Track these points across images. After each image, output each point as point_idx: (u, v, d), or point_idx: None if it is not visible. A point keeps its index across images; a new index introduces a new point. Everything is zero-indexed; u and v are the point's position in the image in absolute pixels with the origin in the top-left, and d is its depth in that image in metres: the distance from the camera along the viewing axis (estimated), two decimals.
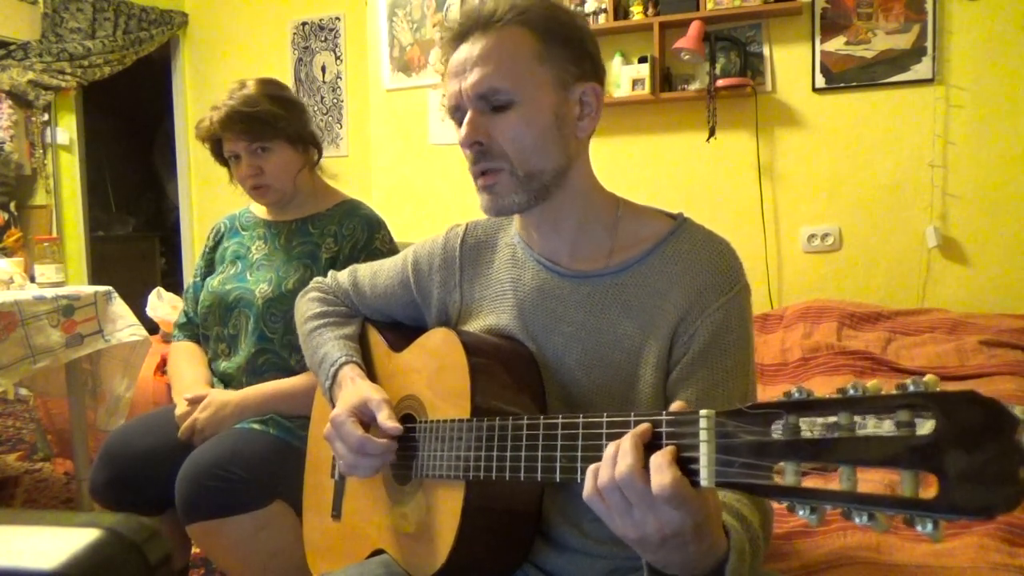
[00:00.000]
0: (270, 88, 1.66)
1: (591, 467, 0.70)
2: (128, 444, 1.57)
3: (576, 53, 0.96)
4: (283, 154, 1.64)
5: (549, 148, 0.95)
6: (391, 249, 1.64)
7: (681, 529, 0.66)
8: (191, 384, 1.64)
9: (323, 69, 4.49)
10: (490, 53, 0.93)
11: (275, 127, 1.62)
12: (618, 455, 0.68)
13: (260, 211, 1.78)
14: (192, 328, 1.78)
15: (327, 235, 1.65)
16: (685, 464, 0.65)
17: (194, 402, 1.58)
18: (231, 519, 1.41)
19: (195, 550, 1.86)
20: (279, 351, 1.61)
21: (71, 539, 0.37)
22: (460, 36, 0.96)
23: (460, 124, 0.96)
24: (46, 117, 4.23)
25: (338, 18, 4.44)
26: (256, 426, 1.53)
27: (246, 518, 1.42)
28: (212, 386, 1.66)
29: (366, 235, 1.64)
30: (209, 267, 1.78)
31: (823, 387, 2.00)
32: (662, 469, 0.64)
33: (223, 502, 1.41)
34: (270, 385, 1.59)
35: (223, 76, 4.73)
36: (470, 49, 0.94)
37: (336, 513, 1.19)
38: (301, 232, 1.69)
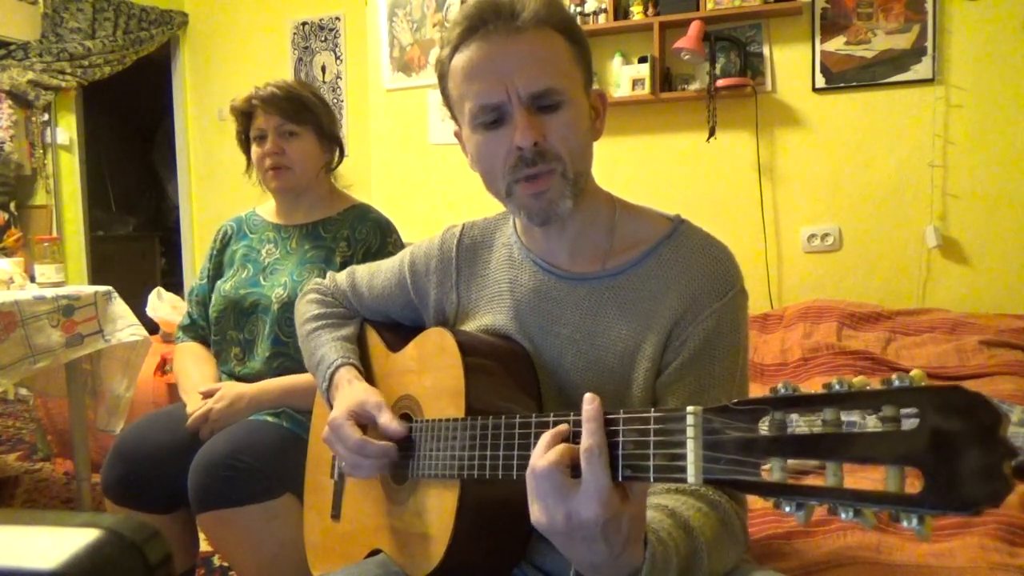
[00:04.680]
0: (310, 87, 1.76)
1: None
2: (140, 441, 1.58)
3: (588, 57, 0.98)
4: (309, 143, 1.69)
5: (587, 150, 0.96)
6: None
7: (586, 523, 0.67)
8: (200, 382, 1.65)
9: (323, 69, 4.49)
10: (538, 53, 0.90)
11: (309, 112, 1.68)
12: (542, 448, 0.72)
13: (268, 214, 1.78)
14: (197, 331, 1.78)
15: (340, 239, 1.67)
16: (672, 460, 0.64)
17: (208, 394, 1.59)
18: (242, 509, 1.42)
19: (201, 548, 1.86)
20: (294, 355, 1.60)
21: (71, 539, 0.37)
22: (474, 30, 0.91)
23: (490, 124, 0.93)
24: (46, 117, 4.23)
25: (338, 18, 4.44)
26: (269, 418, 1.55)
27: (256, 508, 1.43)
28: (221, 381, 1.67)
29: (379, 240, 1.67)
30: (217, 270, 1.77)
31: None
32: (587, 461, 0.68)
33: (235, 491, 1.42)
34: (286, 379, 1.60)
35: (223, 76, 4.74)
36: (505, 48, 0.90)
37: (335, 513, 1.19)
38: (313, 236, 1.70)
